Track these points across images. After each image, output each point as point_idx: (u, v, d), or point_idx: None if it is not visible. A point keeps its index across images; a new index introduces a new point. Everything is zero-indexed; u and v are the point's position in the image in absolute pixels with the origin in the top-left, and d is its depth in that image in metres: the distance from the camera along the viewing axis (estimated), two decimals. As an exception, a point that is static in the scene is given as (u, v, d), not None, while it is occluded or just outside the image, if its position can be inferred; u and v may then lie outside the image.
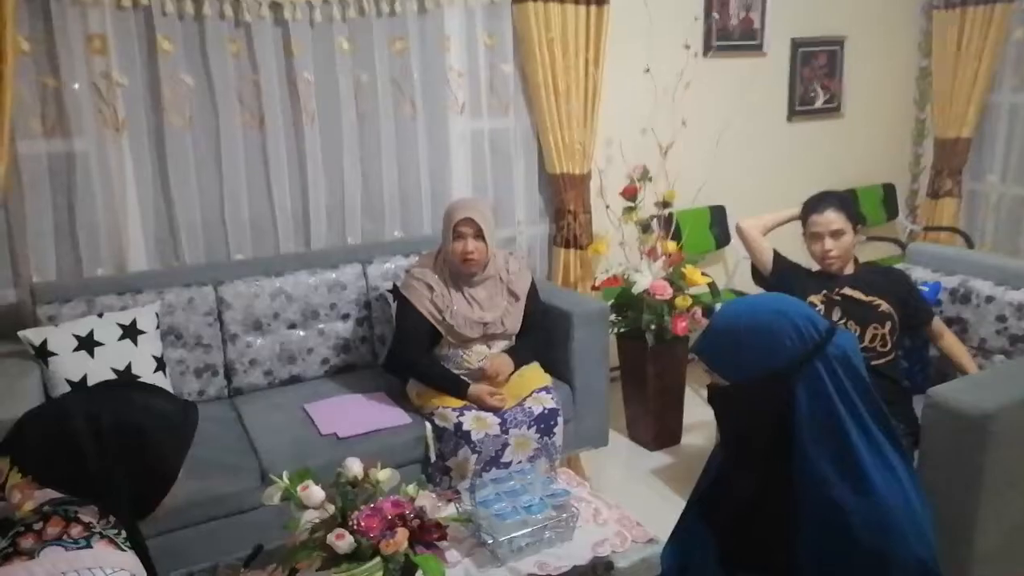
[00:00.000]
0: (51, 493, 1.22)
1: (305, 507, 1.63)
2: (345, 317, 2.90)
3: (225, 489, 2.20)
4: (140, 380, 1.42)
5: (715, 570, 1.27)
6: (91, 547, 1.16)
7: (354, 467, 1.71)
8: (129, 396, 1.36)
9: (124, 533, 1.23)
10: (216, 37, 2.73)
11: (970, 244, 4.18)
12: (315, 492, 1.62)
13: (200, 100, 2.77)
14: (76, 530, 1.17)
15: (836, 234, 2.45)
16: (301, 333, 2.82)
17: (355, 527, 1.58)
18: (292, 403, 2.62)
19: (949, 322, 2.59)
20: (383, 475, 1.73)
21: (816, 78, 4.16)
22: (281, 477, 1.69)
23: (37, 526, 1.16)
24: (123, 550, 1.20)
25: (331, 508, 1.64)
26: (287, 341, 2.79)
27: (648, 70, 3.33)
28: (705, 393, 1.32)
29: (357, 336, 2.91)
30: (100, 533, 1.19)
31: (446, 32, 3.14)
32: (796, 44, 4.04)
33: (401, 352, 2.64)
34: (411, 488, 1.76)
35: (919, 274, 2.66)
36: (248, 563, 1.70)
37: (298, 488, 1.62)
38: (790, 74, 4.08)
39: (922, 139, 4.61)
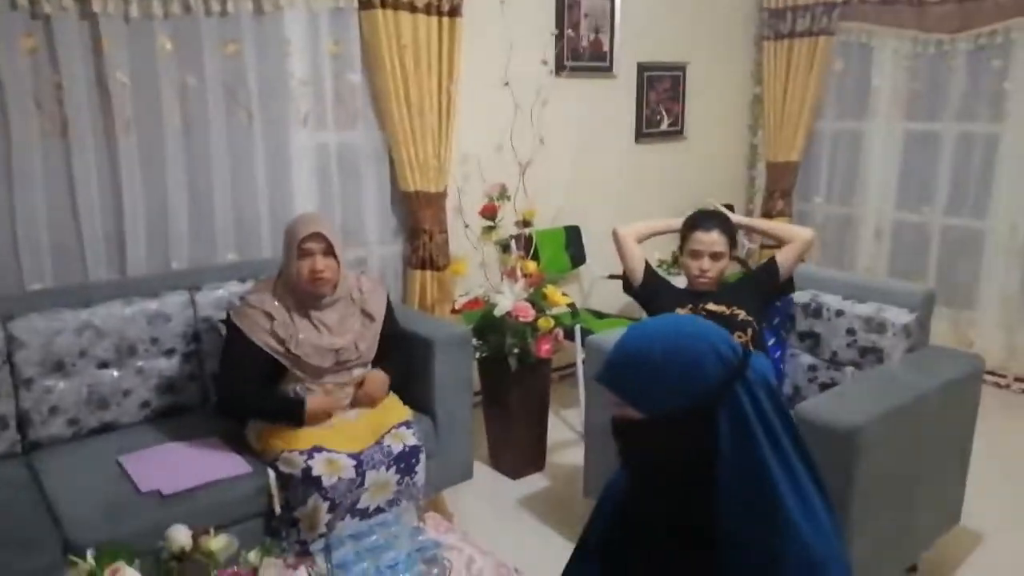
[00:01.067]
0: None
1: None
2: (169, 353, 2.53)
3: (18, 568, 1.79)
4: None
5: None
6: None
7: (180, 537, 1.43)
8: None
9: None
10: (7, 30, 2.32)
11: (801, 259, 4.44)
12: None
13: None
14: None
15: (716, 256, 2.49)
16: (115, 373, 2.42)
17: None
18: (104, 456, 2.23)
19: (802, 336, 2.66)
20: (217, 543, 1.46)
21: (661, 101, 4.27)
22: (85, 556, 1.37)
23: None
24: None
25: (150, 592, 1.34)
26: (97, 383, 2.38)
27: (507, 84, 3.23)
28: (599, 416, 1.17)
29: (184, 373, 2.55)
30: None
31: (287, 36, 2.87)
32: (642, 68, 4.12)
33: (227, 386, 2.33)
34: (252, 555, 1.50)
35: (771, 290, 2.72)
36: None
37: (107, 572, 1.31)
38: (637, 97, 4.15)
39: (756, 162, 4.87)
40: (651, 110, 4.23)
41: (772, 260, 2.57)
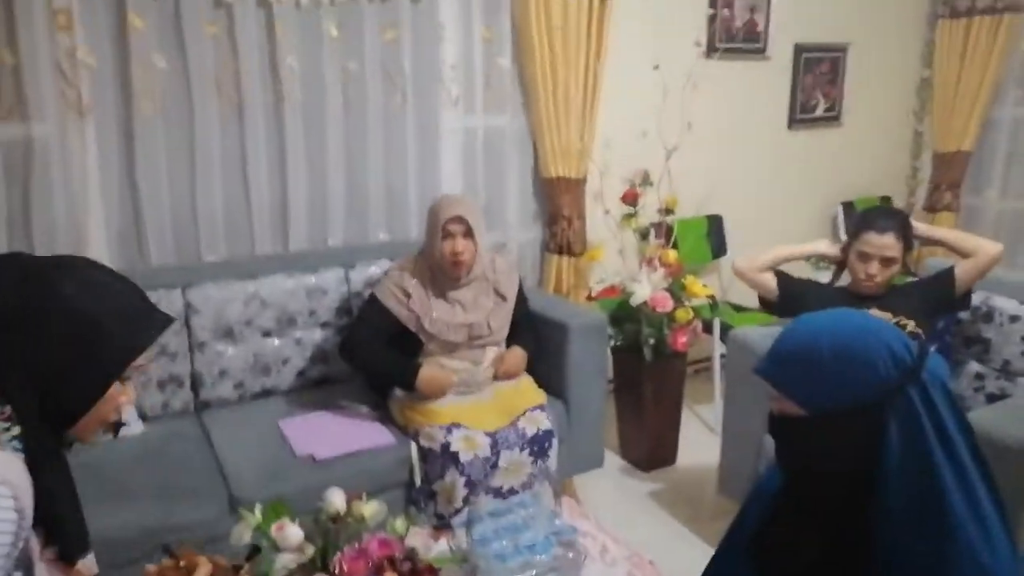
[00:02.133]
0: None
1: (280, 549, 1.42)
2: (324, 325, 2.68)
3: (189, 517, 1.97)
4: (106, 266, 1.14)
5: None
6: None
7: (336, 500, 1.51)
8: (90, 278, 1.08)
9: (14, 430, 0.99)
10: (193, 17, 2.51)
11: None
12: (292, 533, 1.42)
13: (173, 85, 2.54)
14: None
15: (888, 261, 2.25)
16: (276, 342, 2.60)
17: (337, 572, 1.39)
18: (265, 420, 2.41)
19: (969, 341, 2.46)
20: (369, 509, 1.53)
21: (818, 85, 4.03)
22: (252, 510, 1.49)
23: None
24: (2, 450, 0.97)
25: (310, 550, 1.44)
26: (261, 351, 2.57)
27: (658, 67, 3.15)
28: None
29: (337, 346, 2.69)
30: None
31: (441, 21, 2.94)
32: (799, 49, 3.91)
33: (354, 333, 2.46)
34: (399, 524, 1.56)
35: (937, 292, 2.52)
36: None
37: (272, 527, 1.42)
38: (792, 80, 3.94)
39: (920, 152, 4.51)
40: (806, 94, 4.01)
41: (951, 271, 2.34)
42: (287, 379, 2.62)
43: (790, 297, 2.45)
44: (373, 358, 2.44)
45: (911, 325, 2.22)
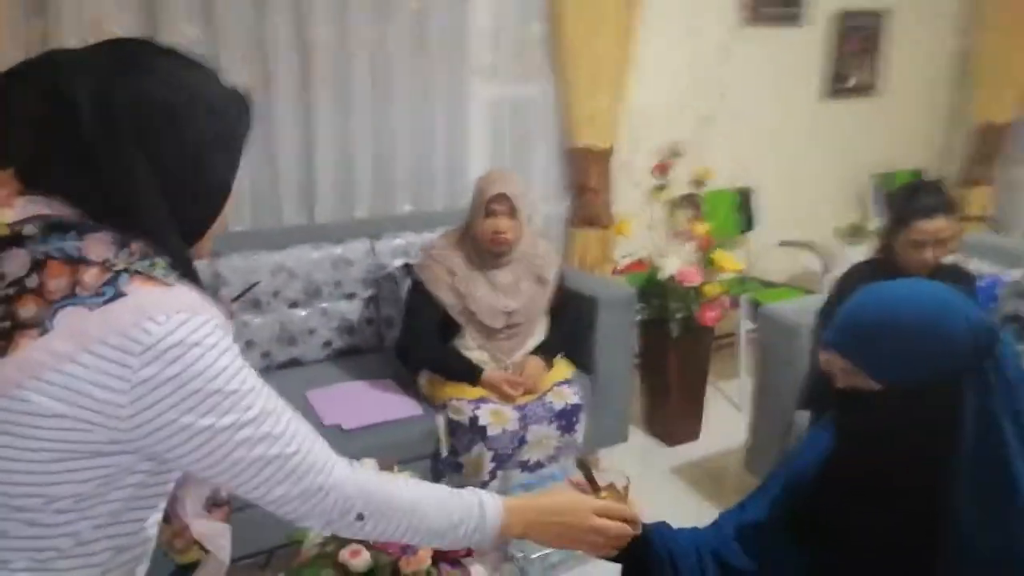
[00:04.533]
0: (40, 204, 0.80)
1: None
2: (350, 296, 2.68)
3: (219, 484, 1.99)
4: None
5: None
6: (124, 295, 0.77)
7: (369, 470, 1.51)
8: (153, 64, 0.85)
9: (163, 261, 0.82)
10: (221, -14, 2.48)
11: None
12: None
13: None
14: (90, 274, 0.77)
15: (942, 243, 2.10)
16: (302, 312, 2.60)
17: (372, 543, 1.39)
18: (292, 389, 2.40)
19: (1006, 320, 2.40)
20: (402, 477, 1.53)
21: (856, 54, 3.92)
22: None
23: (31, 281, 0.77)
24: (169, 284, 0.80)
25: (343, 520, 1.44)
26: (287, 321, 2.57)
27: (691, 33, 3.07)
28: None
29: (363, 317, 2.70)
30: (125, 270, 0.78)
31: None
32: (837, 16, 3.80)
33: (412, 341, 2.43)
34: (431, 495, 1.56)
35: (976, 266, 2.47)
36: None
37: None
38: (829, 48, 3.84)
39: (960, 124, 4.39)
40: (843, 63, 3.90)
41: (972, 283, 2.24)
42: (313, 350, 2.62)
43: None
44: (439, 362, 2.38)
45: None
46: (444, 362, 2.38)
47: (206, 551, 1.10)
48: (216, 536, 1.09)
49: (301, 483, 0.86)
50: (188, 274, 0.84)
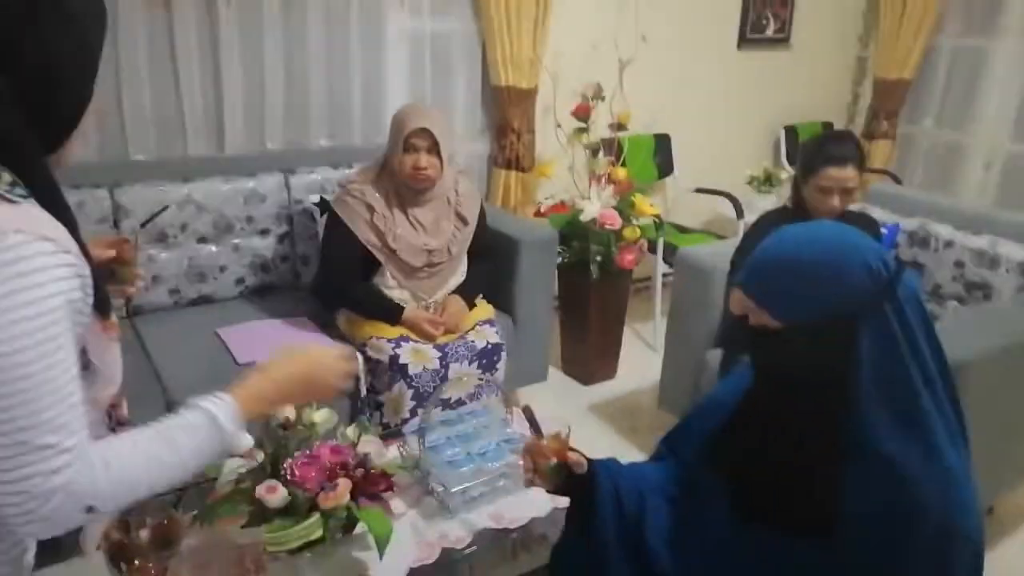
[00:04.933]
0: None
1: (229, 455, 1.38)
2: (264, 232, 2.58)
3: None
4: None
5: (724, 521, 1.12)
6: None
7: (285, 408, 1.47)
8: None
9: (7, 177, 0.81)
10: None
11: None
12: (242, 437, 1.37)
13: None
14: None
15: (848, 192, 2.15)
16: (213, 248, 2.49)
17: (289, 478, 1.36)
18: (203, 327, 2.32)
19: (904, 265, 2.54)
20: (319, 416, 1.50)
21: (768, 5, 3.99)
22: (196, 416, 1.43)
23: None
24: (13, 201, 0.80)
25: (260, 456, 1.40)
26: (196, 256, 2.46)
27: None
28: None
29: (277, 254, 2.60)
30: None
31: (389, -89, 2.75)
32: (753, -34, 3.84)
33: (329, 279, 2.36)
34: (351, 431, 1.54)
35: (878, 215, 2.58)
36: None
37: (220, 434, 1.37)
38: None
39: (863, 78, 4.56)
40: (757, 13, 3.97)
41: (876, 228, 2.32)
42: (225, 287, 2.52)
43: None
44: (359, 301, 2.32)
45: None
46: (364, 301, 2.33)
47: None
48: None
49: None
50: (47, 189, 0.83)
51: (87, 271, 0.85)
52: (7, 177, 0.81)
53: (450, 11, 3.01)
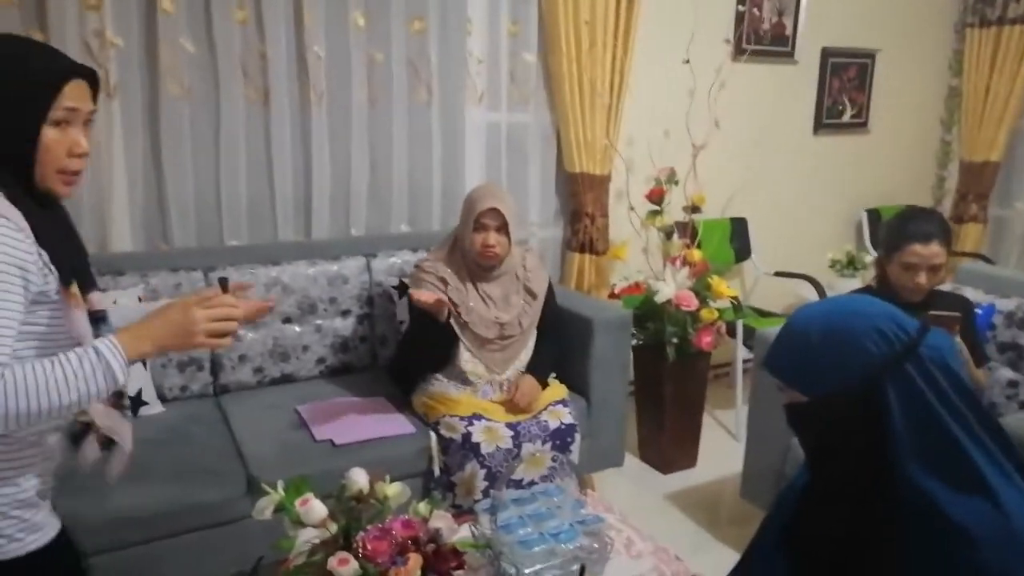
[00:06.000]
0: None
1: (303, 524, 1.39)
2: (345, 313, 2.66)
3: (207, 497, 1.95)
4: None
5: None
6: None
7: (360, 479, 1.47)
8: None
9: None
10: (222, 2, 2.51)
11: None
12: (316, 508, 1.38)
13: (201, 69, 2.54)
14: None
15: (935, 269, 2.07)
16: (297, 328, 2.58)
17: (361, 551, 1.35)
18: (283, 404, 2.38)
19: (1003, 348, 2.39)
20: (392, 490, 1.49)
21: (845, 91, 4.00)
22: (274, 486, 1.45)
23: None
24: None
25: (333, 527, 1.40)
26: (281, 336, 2.55)
27: (688, 61, 3.12)
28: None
29: (357, 335, 2.67)
30: None
31: (468, 15, 2.93)
32: (827, 54, 3.88)
33: (407, 354, 2.41)
34: (423, 506, 1.52)
35: (970, 295, 2.47)
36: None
37: (296, 502, 1.38)
38: (819, 85, 3.91)
39: (947, 161, 4.45)
40: (833, 99, 3.97)
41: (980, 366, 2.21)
42: (306, 366, 2.59)
43: None
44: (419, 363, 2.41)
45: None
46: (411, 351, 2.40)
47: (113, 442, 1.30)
48: (119, 427, 1.30)
49: None
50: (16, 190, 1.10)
51: (34, 248, 1.10)
52: None
53: (526, 106, 3.14)
